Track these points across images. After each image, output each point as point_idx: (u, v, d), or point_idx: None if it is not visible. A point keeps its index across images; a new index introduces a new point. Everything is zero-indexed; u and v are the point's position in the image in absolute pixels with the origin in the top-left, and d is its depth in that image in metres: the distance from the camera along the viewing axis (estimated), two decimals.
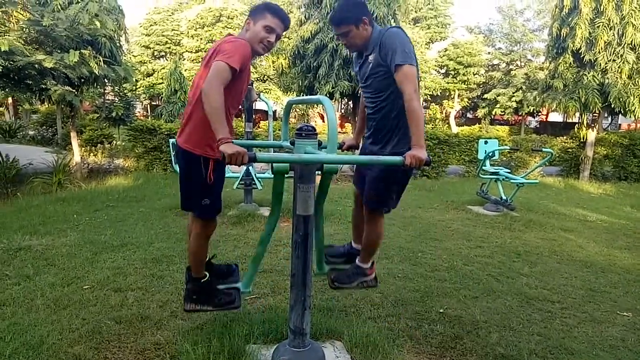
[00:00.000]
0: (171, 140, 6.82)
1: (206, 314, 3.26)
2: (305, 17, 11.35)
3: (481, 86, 29.00)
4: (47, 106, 18.84)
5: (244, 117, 7.14)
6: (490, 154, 7.95)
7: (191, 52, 28.32)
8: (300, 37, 11.10)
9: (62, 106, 11.30)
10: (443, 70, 29.17)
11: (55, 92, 9.16)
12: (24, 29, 8.92)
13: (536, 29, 29.09)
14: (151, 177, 10.47)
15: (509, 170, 8.20)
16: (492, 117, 30.06)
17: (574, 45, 11.92)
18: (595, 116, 13.23)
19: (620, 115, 14.06)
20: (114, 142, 14.42)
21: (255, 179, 6.77)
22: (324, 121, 28.86)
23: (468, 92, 29.29)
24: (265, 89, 27.39)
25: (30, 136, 20.12)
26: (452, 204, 8.20)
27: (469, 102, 30.81)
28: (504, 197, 7.56)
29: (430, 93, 27.84)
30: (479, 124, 30.06)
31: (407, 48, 2.43)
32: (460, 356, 2.94)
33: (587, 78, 11.87)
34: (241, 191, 6.93)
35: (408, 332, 3.20)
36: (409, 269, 4.55)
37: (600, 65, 11.70)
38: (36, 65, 8.45)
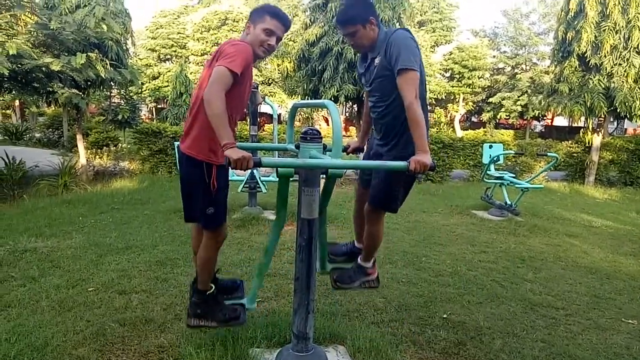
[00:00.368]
0: (176, 143, 6.82)
1: None
2: (310, 20, 11.39)
3: (486, 90, 28.94)
4: (53, 109, 18.96)
5: (248, 120, 7.16)
6: (494, 159, 7.92)
7: (197, 55, 28.46)
8: (306, 40, 11.13)
9: (69, 109, 11.38)
10: (448, 74, 29.15)
11: (62, 95, 9.23)
12: (32, 33, 9.00)
13: (542, 32, 29.05)
14: (156, 180, 10.51)
15: (514, 175, 8.17)
16: (497, 121, 30.00)
17: (579, 49, 11.89)
18: (601, 120, 13.17)
19: (626, 119, 14.00)
20: (120, 144, 14.52)
21: (259, 182, 6.78)
22: (328, 124, 28.90)
23: (473, 95, 29.24)
24: (270, 92, 27.47)
25: (37, 138, 20.25)
26: (457, 209, 8.18)
27: (474, 105, 30.76)
28: (508, 202, 7.53)
29: (435, 97, 27.82)
30: (483, 128, 29.98)
31: (412, 52, 2.42)
32: None
33: (593, 82, 11.83)
34: (245, 194, 6.94)
35: (411, 337, 3.20)
36: (412, 274, 4.54)
37: (606, 69, 11.66)
38: (43, 68, 8.53)
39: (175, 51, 31.08)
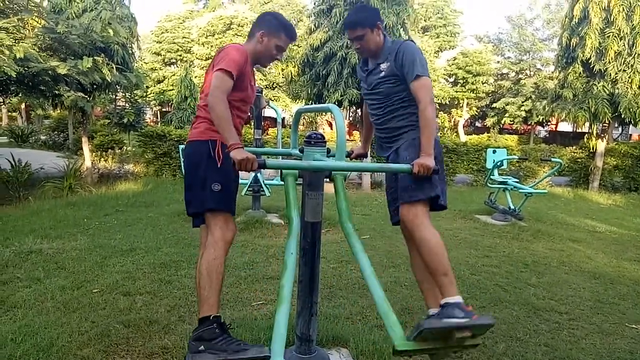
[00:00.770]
0: (181, 146, 6.89)
1: None
2: (315, 25, 11.44)
3: (490, 95, 28.95)
4: (59, 112, 19.09)
5: (253, 124, 7.20)
6: (498, 163, 7.93)
7: (201, 59, 28.57)
8: (310, 45, 11.18)
9: (74, 112, 11.46)
10: (452, 79, 29.18)
11: (68, 98, 9.31)
12: (39, 36, 9.09)
13: (545, 38, 29.04)
14: (160, 183, 10.56)
15: (518, 180, 8.17)
16: (501, 126, 29.98)
17: (583, 55, 11.90)
18: (605, 126, 13.15)
19: (630, 125, 13.97)
20: (124, 147, 14.58)
21: (263, 185, 6.81)
22: (332, 129, 28.94)
23: (477, 101, 29.25)
24: (274, 96, 27.54)
25: (42, 141, 20.39)
26: (460, 213, 8.18)
27: (478, 111, 30.76)
28: (512, 207, 7.53)
29: (439, 102, 27.83)
30: (487, 133, 29.97)
31: (424, 62, 2.51)
32: None
33: (597, 88, 11.83)
34: (249, 198, 6.97)
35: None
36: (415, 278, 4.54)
37: (610, 75, 11.66)
38: (50, 72, 8.60)
39: (180, 55, 31.26)
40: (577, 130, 26.63)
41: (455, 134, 29.64)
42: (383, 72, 2.61)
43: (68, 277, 4.06)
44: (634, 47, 11.38)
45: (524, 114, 26.67)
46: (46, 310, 3.35)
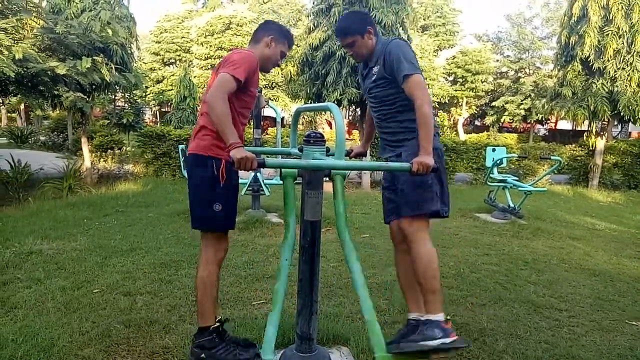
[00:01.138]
0: (180, 146, 6.89)
1: None
2: (313, 25, 11.43)
3: (489, 94, 28.93)
4: (58, 112, 19.10)
5: (252, 123, 7.21)
6: (498, 162, 7.93)
7: (200, 59, 28.54)
8: (309, 44, 11.17)
9: (73, 112, 11.47)
10: (451, 78, 29.15)
11: (67, 99, 9.31)
12: (38, 37, 9.08)
13: (545, 36, 29.05)
14: (160, 183, 10.57)
15: (517, 178, 8.18)
16: (501, 124, 29.96)
17: (582, 53, 11.90)
18: (605, 124, 13.16)
19: (630, 123, 13.98)
20: (124, 148, 14.59)
21: (263, 185, 6.81)
22: (331, 128, 28.94)
23: (476, 99, 29.22)
24: (273, 96, 27.53)
25: (42, 142, 20.39)
26: (460, 212, 8.18)
27: (477, 109, 30.75)
28: (511, 205, 7.53)
29: (438, 100, 27.83)
30: (487, 131, 29.97)
31: (413, 59, 2.47)
32: None
33: (596, 86, 11.84)
34: (249, 197, 6.97)
35: None
36: None
37: (610, 73, 11.66)
38: (49, 72, 8.60)
39: (179, 55, 31.22)
40: (577, 129, 26.72)
41: (454, 132, 29.63)
42: (374, 76, 2.62)
43: (68, 278, 4.06)
44: (633, 45, 11.38)
45: (523, 112, 26.66)
46: (47, 311, 3.35)
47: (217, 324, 2.38)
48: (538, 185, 8.90)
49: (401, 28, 10.82)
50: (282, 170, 2.31)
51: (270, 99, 26.20)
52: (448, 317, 2.42)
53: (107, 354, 2.79)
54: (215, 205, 2.35)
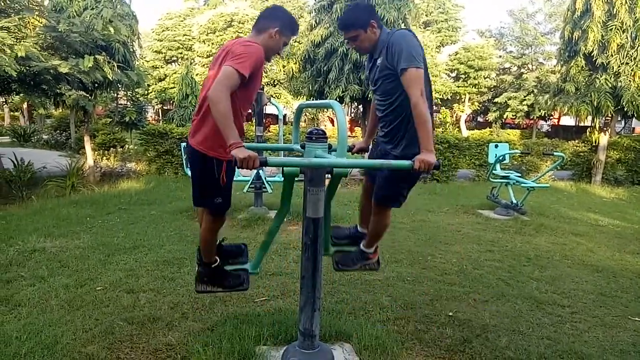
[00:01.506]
0: (183, 144, 6.90)
1: (216, 315, 3.33)
2: (315, 21, 11.42)
3: (492, 90, 28.82)
4: (60, 111, 19.14)
5: (254, 121, 7.21)
6: (500, 158, 7.91)
7: (202, 57, 28.54)
8: (311, 41, 11.17)
9: (76, 111, 11.48)
10: (454, 74, 29.05)
11: (70, 97, 9.32)
12: (40, 35, 9.10)
13: (548, 32, 28.89)
14: (162, 181, 10.58)
15: (520, 174, 8.15)
16: (503, 120, 29.87)
17: (586, 49, 11.83)
18: (608, 120, 13.10)
19: (633, 118, 13.92)
20: (126, 146, 14.62)
21: (265, 182, 6.81)
22: (334, 125, 28.91)
23: (479, 95, 29.12)
24: (275, 93, 27.52)
25: (45, 140, 20.45)
26: (462, 208, 8.17)
27: (480, 105, 30.65)
28: (514, 201, 7.52)
29: (441, 97, 27.75)
30: (489, 127, 29.88)
31: (414, 50, 2.41)
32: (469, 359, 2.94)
33: (600, 81, 11.77)
34: (251, 194, 6.98)
35: (417, 335, 3.21)
36: (418, 273, 4.55)
37: (613, 68, 11.59)
38: (51, 71, 8.62)
39: (181, 53, 31.24)
40: (580, 124, 26.61)
41: (457, 129, 29.54)
42: (379, 67, 2.60)
43: (72, 275, 4.08)
44: (637, 40, 11.31)
45: (526, 108, 26.54)
46: (50, 309, 3.37)
47: (217, 261, 2.79)
48: (541, 181, 8.87)
49: (403, 24, 10.79)
50: (284, 168, 2.30)
51: (272, 96, 26.19)
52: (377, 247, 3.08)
53: (111, 351, 2.81)
54: (217, 199, 2.56)
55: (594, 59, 11.84)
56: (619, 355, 3.09)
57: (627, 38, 11.40)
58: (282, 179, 2.34)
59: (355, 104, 12.06)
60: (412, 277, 4.43)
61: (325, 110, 25.55)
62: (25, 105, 27.62)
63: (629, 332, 3.46)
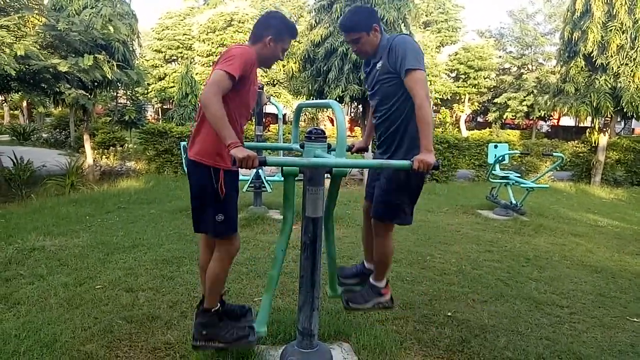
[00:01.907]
0: (182, 143, 6.90)
1: None
2: (315, 21, 11.40)
3: (492, 90, 28.85)
4: (60, 109, 19.12)
5: (254, 120, 7.21)
6: (500, 158, 7.92)
7: (202, 56, 28.54)
8: (311, 41, 11.15)
9: (76, 109, 11.48)
10: (453, 74, 29.08)
11: (69, 96, 9.32)
12: (40, 34, 9.09)
13: (547, 32, 28.92)
14: (162, 180, 10.58)
15: (519, 175, 8.16)
16: (503, 121, 29.89)
17: (585, 49, 11.84)
18: (608, 120, 13.11)
19: (633, 119, 13.93)
20: (126, 145, 14.61)
21: (264, 181, 6.82)
22: (333, 125, 28.91)
23: (478, 96, 29.15)
24: (275, 92, 27.52)
25: (44, 139, 20.43)
26: (462, 208, 8.18)
27: (480, 106, 30.68)
28: (513, 202, 7.52)
29: (441, 97, 27.77)
30: (489, 128, 29.90)
31: (417, 54, 2.44)
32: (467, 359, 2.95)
33: (599, 82, 11.78)
34: (251, 194, 6.98)
35: (416, 335, 3.21)
36: (417, 273, 4.56)
37: (613, 69, 11.61)
38: (51, 69, 8.62)
39: (181, 52, 31.24)
40: (580, 125, 26.63)
41: (457, 129, 29.56)
42: (378, 71, 2.60)
43: (71, 274, 4.08)
44: (636, 41, 11.32)
45: (525, 108, 26.57)
46: (49, 307, 3.37)
47: (219, 306, 2.57)
48: (540, 181, 8.88)
49: (403, 24, 10.78)
50: (284, 167, 2.31)
51: (272, 95, 26.17)
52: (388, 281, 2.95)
53: (109, 350, 2.81)
54: (218, 216, 2.41)
55: (594, 59, 11.86)
56: (617, 355, 3.09)
57: (626, 39, 11.42)
58: (282, 179, 2.34)
59: (355, 103, 12.05)
60: (411, 277, 4.44)
61: (325, 109, 25.55)
62: (24, 104, 27.58)
63: (628, 332, 3.47)
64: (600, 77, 11.82)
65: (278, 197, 7.68)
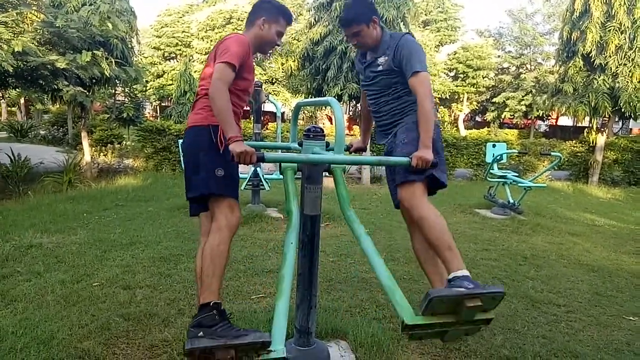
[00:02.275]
0: (180, 141, 6.89)
1: None
2: (314, 19, 11.41)
3: (490, 89, 28.88)
4: (58, 106, 19.07)
5: (252, 118, 7.20)
6: (498, 158, 7.93)
7: (201, 54, 28.50)
8: (310, 39, 11.15)
9: (73, 106, 11.46)
10: (452, 73, 29.09)
11: (67, 93, 9.29)
12: (38, 30, 9.06)
13: (546, 32, 28.96)
14: (160, 177, 10.57)
15: (517, 174, 8.17)
16: (501, 120, 29.93)
17: (584, 49, 11.87)
18: (605, 120, 13.14)
19: (631, 119, 13.97)
20: (124, 142, 14.58)
21: (262, 180, 6.81)
22: (332, 123, 28.90)
23: (477, 95, 29.17)
24: (273, 90, 27.50)
25: (42, 136, 20.38)
26: (459, 207, 8.19)
27: (478, 105, 30.70)
28: (511, 201, 7.53)
29: (439, 96, 27.77)
30: (487, 127, 29.93)
31: (423, 56, 2.49)
32: (464, 357, 2.95)
33: (598, 82, 11.81)
34: (248, 192, 6.97)
35: None
36: (414, 271, 4.56)
37: (611, 69, 11.64)
38: (49, 66, 8.59)
39: (179, 50, 31.18)
40: (578, 125, 26.65)
41: (455, 128, 29.59)
42: (381, 67, 2.60)
43: (68, 271, 4.07)
44: (635, 41, 11.35)
45: (524, 108, 26.60)
46: (46, 304, 3.37)
47: (220, 301, 2.14)
48: (538, 181, 8.90)
49: (402, 23, 10.79)
50: (282, 164, 2.30)
51: (270, 93, 26.14)
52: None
53: (107, 347, 2.81)
54: (218, 171, 2.22)
55: (592, 59, 11.88)
56: (614, 354, 3.10)
57: (625, 39, 11.45)
58: (280, 177, 2.33)
59: (354, 102, 12.05)
60: (409, 275, 4.44)
61: (323, 108, 25.52)
62: (22, 101, 27.54)
63: (624, 331, 3.48)
64: (599, 77, 11.85)
65: (276, 195, 7.68)
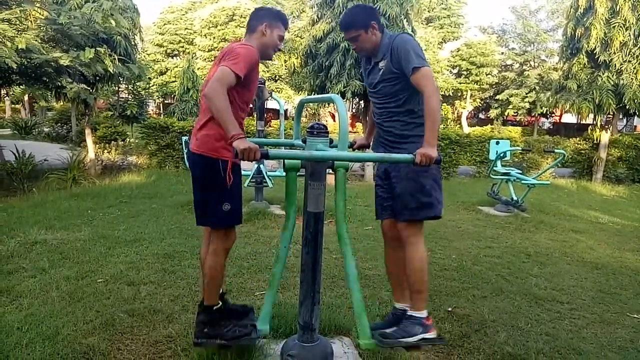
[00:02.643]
0: (184, 138, 6.91)
1: None
2: (317, 16, 11.38)
3: (494, 87, 28.81)
4: (62, 103, 19.12)
5: (255, 115, 7.20)
6: (501, 155, 7.91)
7: (204, 51, 28.52)
8: (313, 36, 11.13)
9: (77, 103, 11.47)
10: (455, 70, 29.05)
11: (71, 90, 9.31)
12: (41, 27, 9.07)
13: (550, 29, 28.83)
14: (163, 174, 10.59)
15: (521, 171, 8.16)
16: (505, 117, 29.86)
17: (588, 46, 11.81)
18: (610, 117, 13.09)
19: (635, 116, 13.91)
20: (128, 139, 14.60)
21: (266, 177, 6.82)
22: (335, 120, 28.88)
23: (480, 92, 29.11)
24: (276, 88, 27.50)
25: (46, 133, 20.44)
26: (463, 204, 8.18)
27: (482, 102, 30.65)
28: (515, 198, 7.52)
29: (442, 93, 27.70)
30: (491, 124, 29.87)
31: (420, 52, 2.47)
32: (467, 354, 2.95)
33: (602, 79, 11.75)
34: (252, 189, 6.99)
35: None
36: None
37: (615, 66, 11.57)
38: (52, 63, 8.60)
39: (182, 47, 31.23)
40: (581, 122, 26.57)
41: (458, 125, 29.55)
42: (381, 70, 2.59)
43: (73, 268, 4.09)
44: None
45: (527, 105, 26.56)
46: (51, 300, 3.38)
47: (219, 304, 2.55)
48: (541, 178, 8.89)
49: (405, 20, 10.74)
50: (285, 161, 2.31)
51: (273, 91, 26.14)
52: (429, 313, 2.60)
53: (111, 343, 2.82)
54: (224, 205, 2.40)
55: (597, 56, 11.82)
56: (617, 351, 3.10)
57: (629, 36, 11.38)
58: (283, 174, 2.34)
59: (357, 99, 12.05)
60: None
61: (327, 105, 25.50)
62: (26, 98, 27.63)
63: (628, 328, 3.48)
64: (603, 74, 11.79)
65: (279, 192, 7.69)
